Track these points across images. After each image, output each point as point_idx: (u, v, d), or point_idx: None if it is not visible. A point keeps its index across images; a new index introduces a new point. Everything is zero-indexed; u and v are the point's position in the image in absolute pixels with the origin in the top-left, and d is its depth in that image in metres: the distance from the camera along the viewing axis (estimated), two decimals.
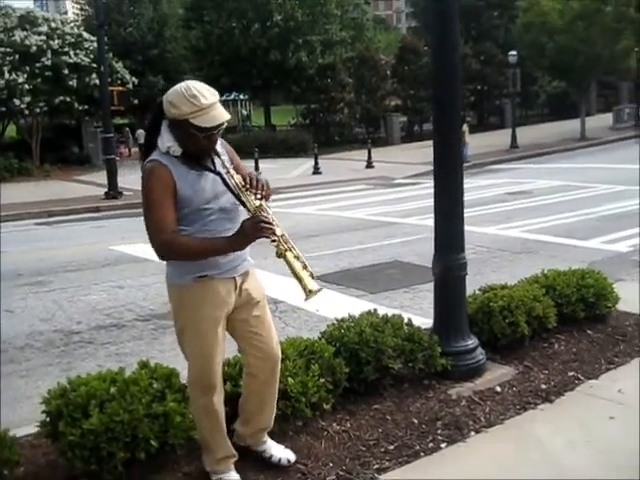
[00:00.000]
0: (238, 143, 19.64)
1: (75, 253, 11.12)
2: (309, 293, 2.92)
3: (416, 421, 4.08)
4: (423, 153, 21.97)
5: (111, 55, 28.13)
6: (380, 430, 3.98)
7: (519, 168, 22.55)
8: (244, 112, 39.83)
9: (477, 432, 3.99)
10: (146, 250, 10.88)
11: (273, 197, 3.28)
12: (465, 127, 24.61)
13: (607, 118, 35.34)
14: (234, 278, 3.21)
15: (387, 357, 4.26)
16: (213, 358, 3.22)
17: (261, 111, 41.89)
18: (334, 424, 4.01)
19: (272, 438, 3.73)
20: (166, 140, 3.03)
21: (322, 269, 8.87)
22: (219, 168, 3.10)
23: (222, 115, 2.99)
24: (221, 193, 3.09)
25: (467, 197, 17.01)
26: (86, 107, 27.00)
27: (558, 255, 9.25)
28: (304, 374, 3.88)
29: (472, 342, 4.69)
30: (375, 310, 4.74)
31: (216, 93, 3.00)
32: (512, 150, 27.48)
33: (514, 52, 28.27)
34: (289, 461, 3.57)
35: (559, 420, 4.12)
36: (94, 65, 23.27)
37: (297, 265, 2.92)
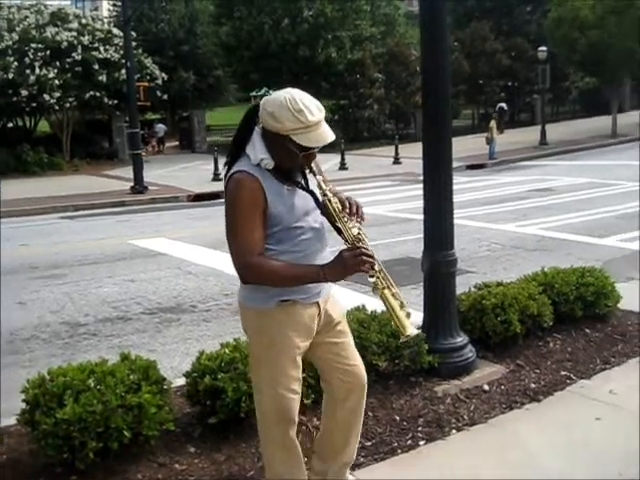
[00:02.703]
0: None
1: (93, 247, 11.26)
2: (407, 337, 2.66)
3: (398, 418, 4.06)
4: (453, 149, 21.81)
5: (141, 51, 28.42)
6: None
7: (547, 165, 22.28)
8: None
9: (458, 430, 3.96)
10: (162, 244, 11.08)
11: None
12: (492, 123, 24.42)
13: None
14: (317, 302, 2.88)
15: (371, 353, 4.24)
16: (293, 389, 2.90)
17: None
18: (314, 419, 4.00)
19: (245, 433, 3.79)
20: (259, 151, 2.69)
21: None
22: (312, 187, 2.82)
23: (328, 134, 2.66)
24: (311, 210, 2.80)
25: (489, 194, 16.78)
26: (116, 102, 27.22)
27: (574, 253, 9.15)
28: None
29: (461, 339, 4.65)
30: (363, 306, 4.73)
31: (322, 108, 2.65)
32: (541, 147, 27.13)
33: (544, 48, 27.93)
34: None
35: (543, 420, 4.07)
36: (124, 60, 23.43)
37: (395, 304, 2.65)
